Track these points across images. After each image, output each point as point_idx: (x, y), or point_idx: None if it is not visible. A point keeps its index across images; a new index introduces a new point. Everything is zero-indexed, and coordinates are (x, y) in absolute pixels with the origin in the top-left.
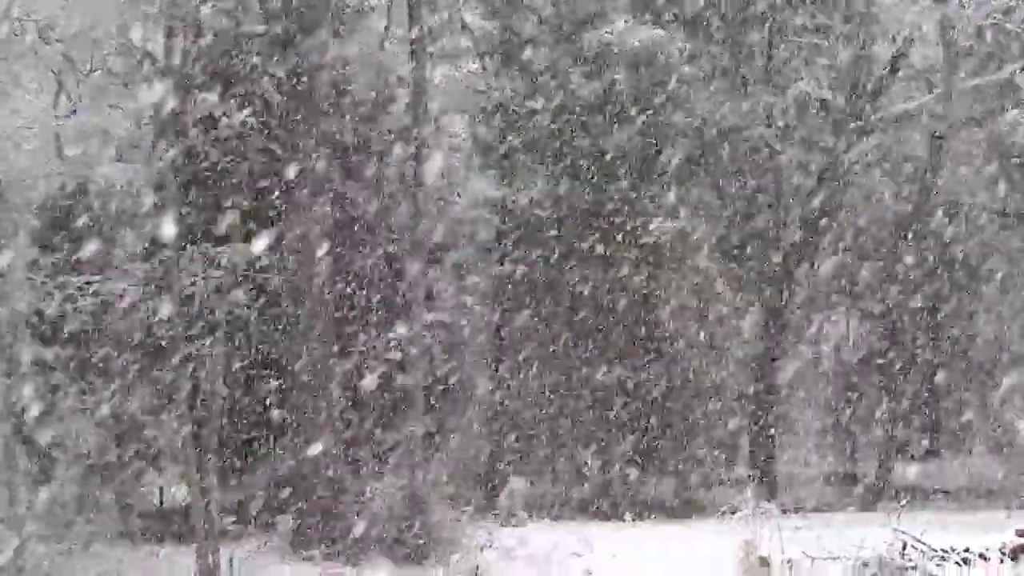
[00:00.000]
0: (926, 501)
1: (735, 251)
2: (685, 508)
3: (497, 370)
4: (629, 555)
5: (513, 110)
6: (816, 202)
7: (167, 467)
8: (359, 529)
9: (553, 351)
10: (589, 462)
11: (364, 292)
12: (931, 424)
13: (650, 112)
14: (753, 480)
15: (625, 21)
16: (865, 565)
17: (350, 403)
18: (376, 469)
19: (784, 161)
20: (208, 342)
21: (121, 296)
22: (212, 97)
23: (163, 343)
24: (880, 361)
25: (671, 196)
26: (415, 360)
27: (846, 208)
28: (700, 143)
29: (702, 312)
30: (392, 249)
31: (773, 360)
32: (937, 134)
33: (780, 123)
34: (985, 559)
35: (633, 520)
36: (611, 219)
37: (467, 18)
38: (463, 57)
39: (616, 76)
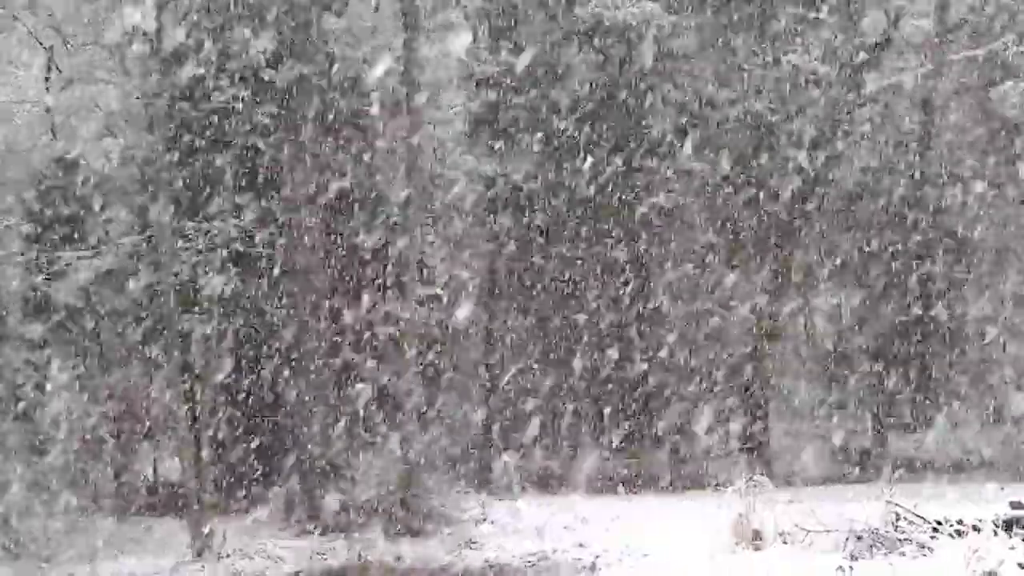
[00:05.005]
0: (920, 473)
1: (727, 225)
2: (679, 481)
3: (490, 344)
4: (622, 528)
5: (505, 84)
6: (808, 175)
7: (160, 442)
8: (353, 503)
9: (546, 325)
10: (582, 436)
11: (356, 266)
12: (925, 396)
13: (642, 86)
14: (746, 453)
15: None
16: (859, 538)
17: (344, 377)
18: (370, 443)
19: (776, 134)
20: (201, 317)
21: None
22: (203, 71)
23: (156, 318)
24: (874, 333)
25: (663, 170)
26: (408, 333)
27: (839, 181)
28: (692, 117)
29: (695, 285)
30: (384, 223)
31: (766, 333)
32: (929, 106)
33: (772, 96)
34: (978, 531)
35: (627, 494)
36: (604, 192)
37: None
38: (455, 31)
39: (608, 50)
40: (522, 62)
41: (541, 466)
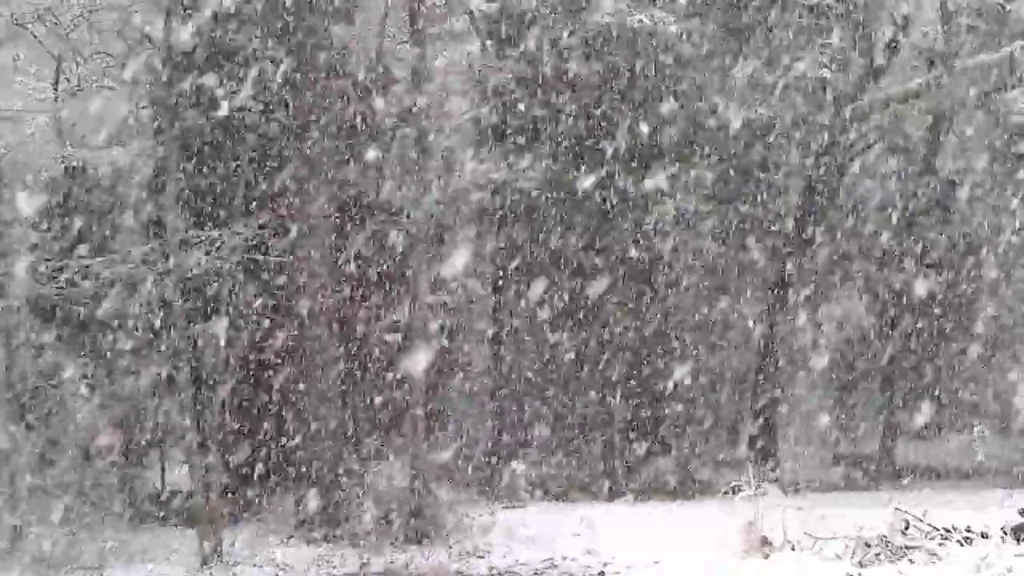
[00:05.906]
0: (928, 480)
1: (735, 231)
2: (687, 488)
3: (497, 352)
4: (631, 535)
5: (513, 91)
6: (816, 182)
7: (169, 450)
8: (361, 511)
9: (553, 333)
10: (590, 443)
11: (365, 274)
12: (933, 403)
13: (648, 92)
14: (754, 460)
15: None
16: (867, 545)
17: (351, 385)
18: (378, 451)
19: (783, 142)
20: (209, 324)
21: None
22: (212, 79)
23: (165, 326)
24: (882, 340)
25: (670, 177)
26: (416, 341)
27: (846, 188)
28: (699, 124)
29: (703, 293)
30: (393, 231)
31: (774, 340)
32: (938, 113)
33: (779, 104)
34: (987, 538)
35: (635, 500)
36: (611, 201)
37: None
38: (463, 38)
39: (614, 57)
40: (530, 70)
41: (550, 473)
